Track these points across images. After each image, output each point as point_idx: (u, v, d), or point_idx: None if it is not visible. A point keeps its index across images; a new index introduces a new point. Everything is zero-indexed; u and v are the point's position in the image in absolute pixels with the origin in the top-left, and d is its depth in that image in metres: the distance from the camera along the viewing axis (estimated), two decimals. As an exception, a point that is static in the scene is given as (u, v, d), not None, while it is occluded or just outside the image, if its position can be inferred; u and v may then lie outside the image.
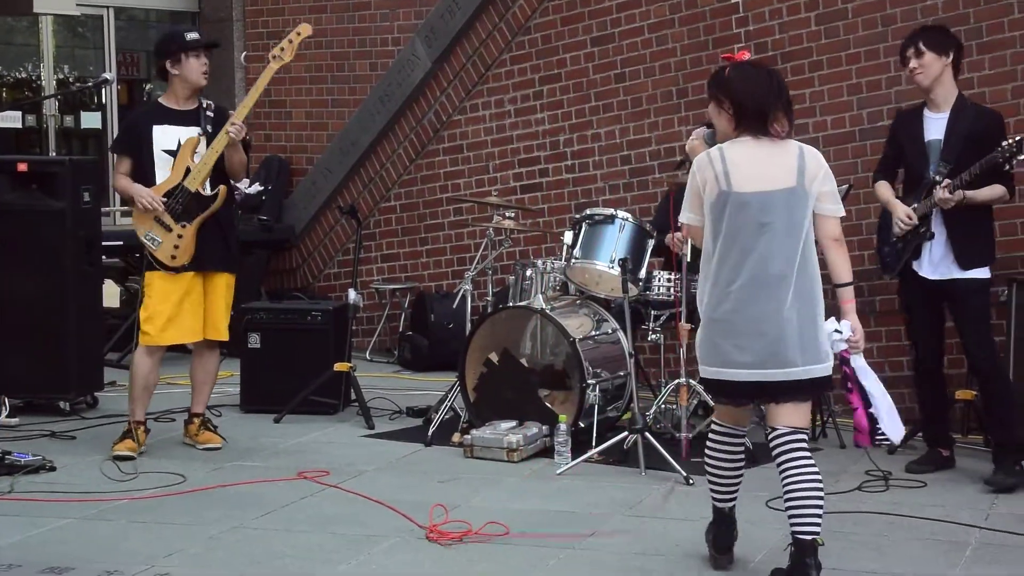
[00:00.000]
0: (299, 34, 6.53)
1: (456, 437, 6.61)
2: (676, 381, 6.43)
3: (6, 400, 7.01)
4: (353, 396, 7.31)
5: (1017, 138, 5.70)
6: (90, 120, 13.66)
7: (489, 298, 7.18)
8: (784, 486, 4.38)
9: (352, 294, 7.47)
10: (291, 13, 10.16)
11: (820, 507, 4.37)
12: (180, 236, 6.26)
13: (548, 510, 5.45)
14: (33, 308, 7.08)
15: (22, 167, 7.28)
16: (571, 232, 6.76)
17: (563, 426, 6.24)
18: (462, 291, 7.26)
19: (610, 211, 6.76)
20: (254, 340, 7.52)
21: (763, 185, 4.39)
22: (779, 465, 4.40)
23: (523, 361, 6.67)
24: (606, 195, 8.40)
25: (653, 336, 6.82)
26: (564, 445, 6.20)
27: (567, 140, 8.71)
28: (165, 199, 6.24)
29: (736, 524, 4.77)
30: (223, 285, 6.44)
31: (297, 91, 10.15)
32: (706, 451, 4.69)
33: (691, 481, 5.83)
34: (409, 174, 9.52)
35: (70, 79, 13.78)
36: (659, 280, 6.71)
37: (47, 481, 5.81)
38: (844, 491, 5.75)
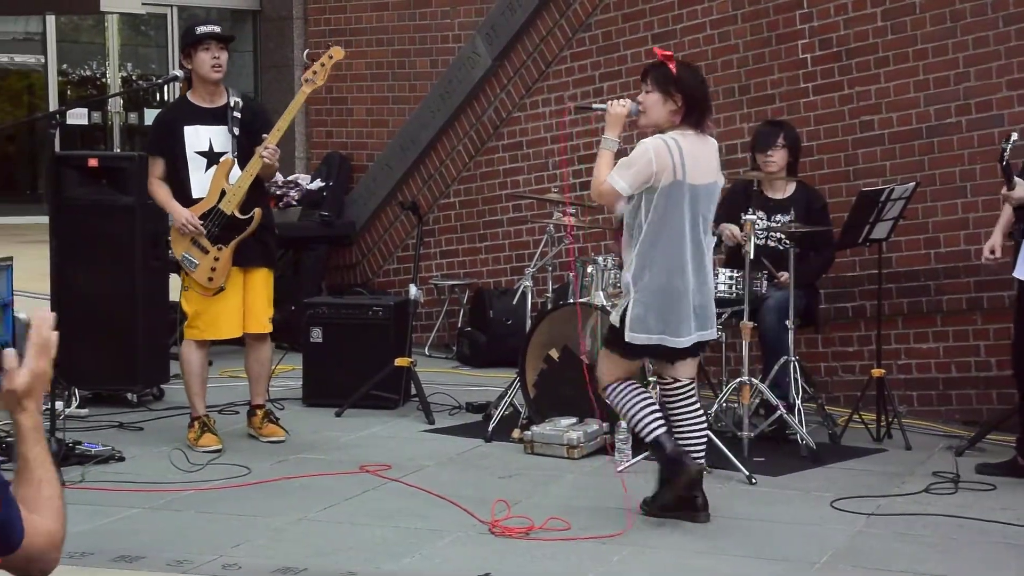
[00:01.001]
0: (331, 57, 6.47)
1: (516, 433, 6.62)
2: (738, 380, 6.40)
3: (76, 391, 7.11)
4: (413, 391, 7.34)
5: None
6: (154, 117, 13.85)
7: (549, 295, 7.18)
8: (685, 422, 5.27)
9: (413, 290, 7.50)
10: (353, 10, 10.21)
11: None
12: (216, 259, 6.28)
13: (609, 507, 5.44)
14: (102, 302, 7.17)
15: (92, 163, 7.39)
16: (632, 229, 6.74)
17: (624, 423, 6.23)
18: (522, 287, 7.27)
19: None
20: (316, 335, 7.57)
21: (707, 178, 5.13)
22: (680, 407, 5.30)
23: (583, 358, 6.66)
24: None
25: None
26: (625, 442, 6.19)
27: (627, 137, 8.68)
28: (201, 221, 6.26)
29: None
30: (262, 279, 6.49)
31: (358, 88, 10.20)
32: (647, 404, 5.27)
33: (753, 480, 5.81)
34: (469, 171, 9.54)
35: (133, 76, 13.95)
36: (720, 278, 6.68)
37: (116, 471, 5.89)
38: (911, 493, 5.69)
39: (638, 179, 5.04)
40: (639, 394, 5.27)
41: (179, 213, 6.26)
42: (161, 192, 6.35)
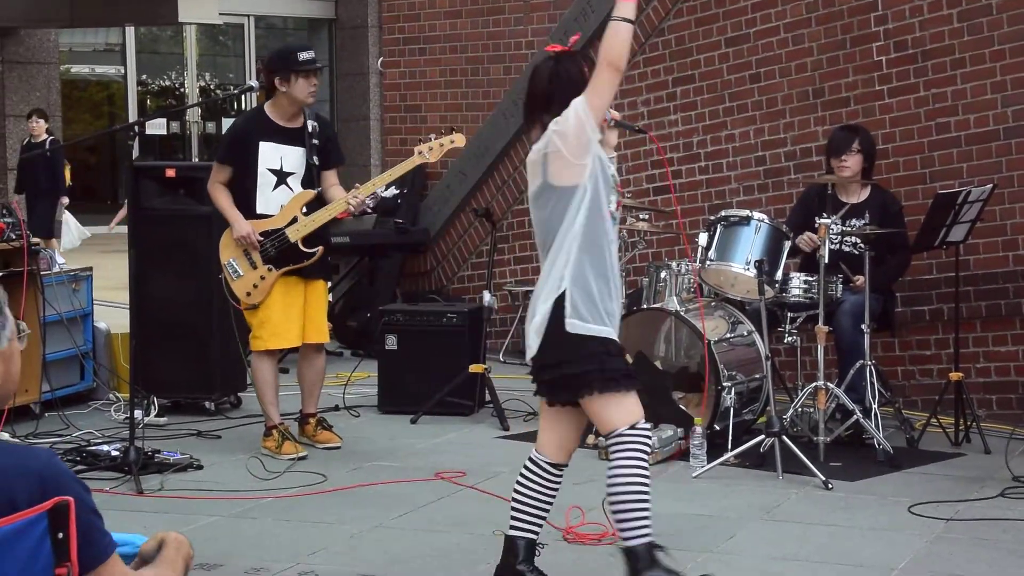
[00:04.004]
0: (452, 142, 6.44)
1: (591, 439, 6.61)
2: (813, 384, 6.36)
3: (155, 400, 7.23)
4: (488, 397, 7.37)
5: None
6: (229, 124, 14.03)
7: (623, 300, 7.18)
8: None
9: (487, 296, 7.53)
10: (427, 18, 10.28)
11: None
12: (263, 278, 6.33)
13: (684, 513, 5.43)
14: (180, 310, 7.29)
15: (170, 173, 7.50)
16: (706, 233, 6.73)
17: (698, 429, 6.22)
18: (596, 293, 7.26)
19: (746, 212, 6.71)
20: (391, 342, 7.62)
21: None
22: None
23: (657, 363, 6.66)
24: (740, 196, 8.33)
25: (789, 339, 6.75)
26: (700, 448, 6.18)
27: (700, 141, 8.66)
28: (261, 237, 6.31)
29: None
30: (322, 291, 6.57)
31: (432, 96, 10.27)
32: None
33: (830, 485, 5.76)
34: (542, 177, 9.54)
35: (211, 86, 14.14)
36: (796, 282, 6.64)
37: (194, 479, 5.97)
38: (989, 497, 5.62)
39: None
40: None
41: (242, 224, 6.31)
42: (223, 198, 6.39)
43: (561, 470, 4.38)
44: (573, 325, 4.13)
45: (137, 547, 2.31)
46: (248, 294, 6.36)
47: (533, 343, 4.20)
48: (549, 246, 4.20)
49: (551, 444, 4.34)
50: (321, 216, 6.36)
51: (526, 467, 4.36)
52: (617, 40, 4.22)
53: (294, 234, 6.32)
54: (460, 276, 10.03)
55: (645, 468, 4.18)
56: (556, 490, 4.38)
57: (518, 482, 4.38)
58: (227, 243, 6.41)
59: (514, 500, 4.38)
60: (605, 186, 4.22)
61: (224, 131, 6.16)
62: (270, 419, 6.46)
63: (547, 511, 4.40)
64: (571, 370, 4.14)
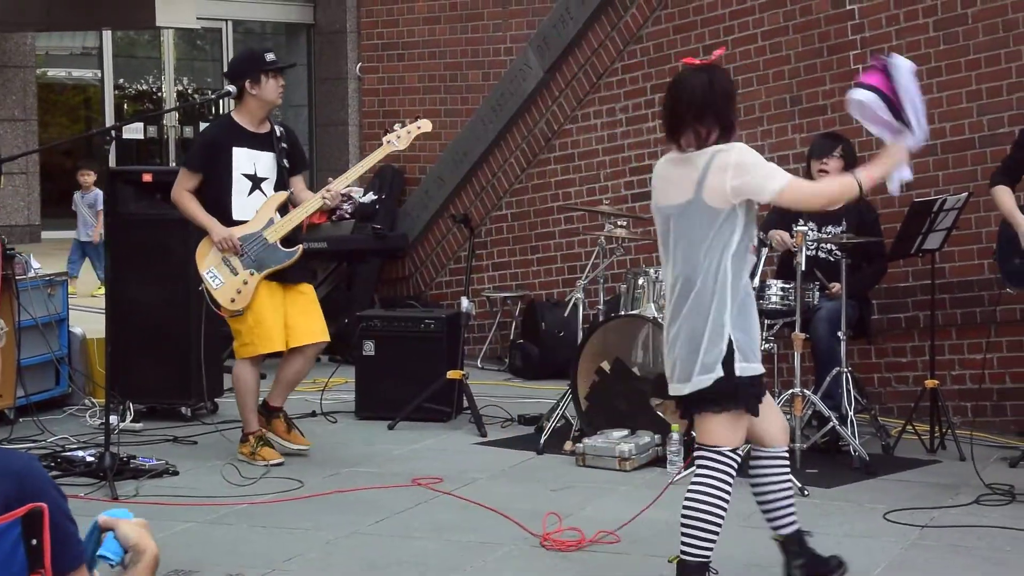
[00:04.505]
0: (419, 128, 6.54)
1: (568, 445, 6.63)
2: (790, 391, 6.37)
3: (131, 405, 7.20)
4: (465, 404, 7.37)
5: None
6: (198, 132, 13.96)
7: (600, 307, 7.20)
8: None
9: (465, 302, 7.54)
10: (405, 24, 10.28)
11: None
12: (245, 283, 6.31)
13: (661, 519, 5.42)
14: (156, 316, 7.26)
15: (147, 178, 7.48)
16: (684, 241, 6.73)
17: (676, 435, 6.23)
18: (573, 299, 7.28)
19: (723, 220, 6.72)
20: (368, 348, 7.62)
21: (673, 198, 4.33)
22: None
23: (635, 370, 6.67)
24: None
25: (766, 345, 6.75)
26: (677, 454, 6.19)
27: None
28: (240, 242, 6.29)
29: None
30: (310, 293, 6.55)
31: (411, 101, 10.27)
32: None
33: (806, 492, 5.78)
34: (520, 183, 9.57)
35: (189, 91, 14.10)
36: (772, 289, 6.66)
37: (170, 485, 5.95)
38: (964, 504, 5.65)
39: None
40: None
41: (219, 229, 6.28)
42: (194, 205, 6.36)
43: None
44: (743, 368, 4.22)
45: (121, 557, 2.29)
46: (232, 300, 6.32)
47: (701, 380, 4.21)
48: (696, 264, 4.23)
49: (771, 432, 4.42)
50: (298, 214, 6.38)
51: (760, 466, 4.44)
52: (846, 193, 4.38)
53: (272, 235, 6.31)
54: (438, 282, 10.03)
55: (729, 491, 4.29)
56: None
57: (762, 484, 4.44)
58: (204, 252, 6.36)
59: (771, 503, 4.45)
60: (750, 224, 4.30)
61: (194, 139, 6.13)
62: (249, 425, 6.44)
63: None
64: (731, 406, 4.24)
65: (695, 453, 4.37)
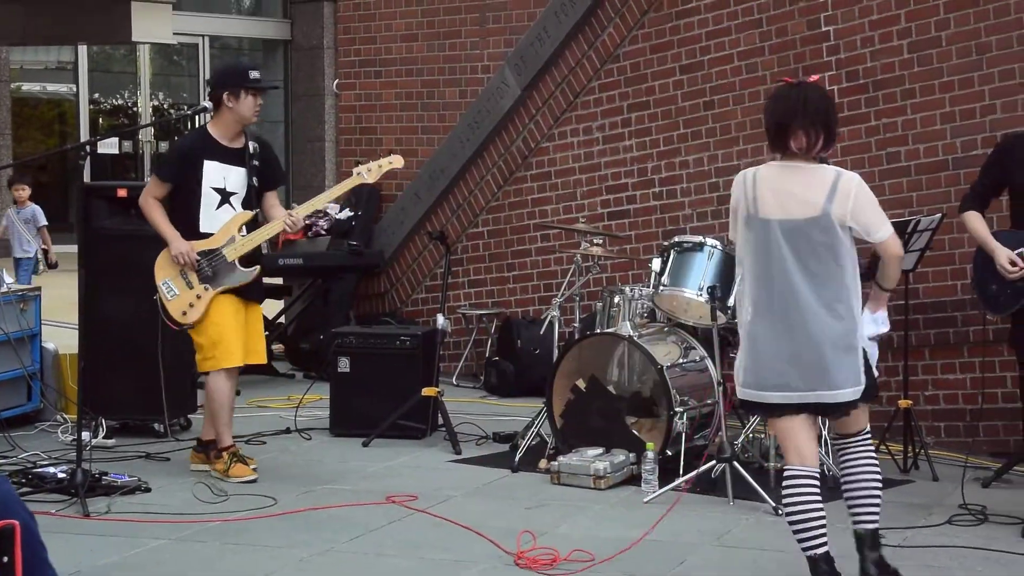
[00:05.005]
0: (391, 163, 6.58)
1: (543, 463, 6.63)
2: (765, 410, 6.38)
3: (103, 421, 7.15)
4: (440, 421, 7.35)
5: None
6: (172, 143, 13.93)
7: (576, 324, 7.20)
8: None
9: (440, 319, 7.53)
10: (383, 41, 10.28)
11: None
12: (199, 297, 6.30)
13: (635, 538, 5.43)
14: (129, 331, 7.21)
15: (122, 193, 7.44)
16: (659, 259, 6.76)
17: (650, 454, 6.24)
18: (549, 317, 7.28)
19: (699, 238, 6.75)
20: (343, 364, 7.59)
21: (791, 213, 4.52)
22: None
23: (610, 388, 6.67)
24: (694, 222, 8.38)
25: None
26: (651, 473, 6.19)
27: (655, 167, 8.71)
28: (199, 256, 6.29)
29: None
30: (259, 314, 6.59)
31: (388, 118, 10.27)
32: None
33: (780, 511, 5.77)
34: (497, 200, 9.58)
35: (164, 106, 14.07)
36: (748, 308, 6.67)
37: (142, 502, 5.92)
38: (937, 524, 5.67)
39: (733, 217, 4.79)
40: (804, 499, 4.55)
41: (179, 243, 6.28)
42: (159, 214, 6.36)
43: None
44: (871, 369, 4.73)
45: None
46: (184, 313, 6.32)
47: (847, 385, 4.55)
48: (802, 283, 4.52)
49: (814, 453, 4.63)
50: (259, 235, 6.39)
51: (802, 487, 4.52)
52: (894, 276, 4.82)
53: (232, 253, 6.31)
54: (414, 299, 10.02)
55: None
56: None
57: (795, 504, 4.52)
58: (162, 263, 6.36)
59: (811, 520, 4.51)
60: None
61: (168, 148, 6.10)
62: (223, 441, 6.40)
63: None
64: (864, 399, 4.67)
65: (846, 442, 4.72)
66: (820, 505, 4.50)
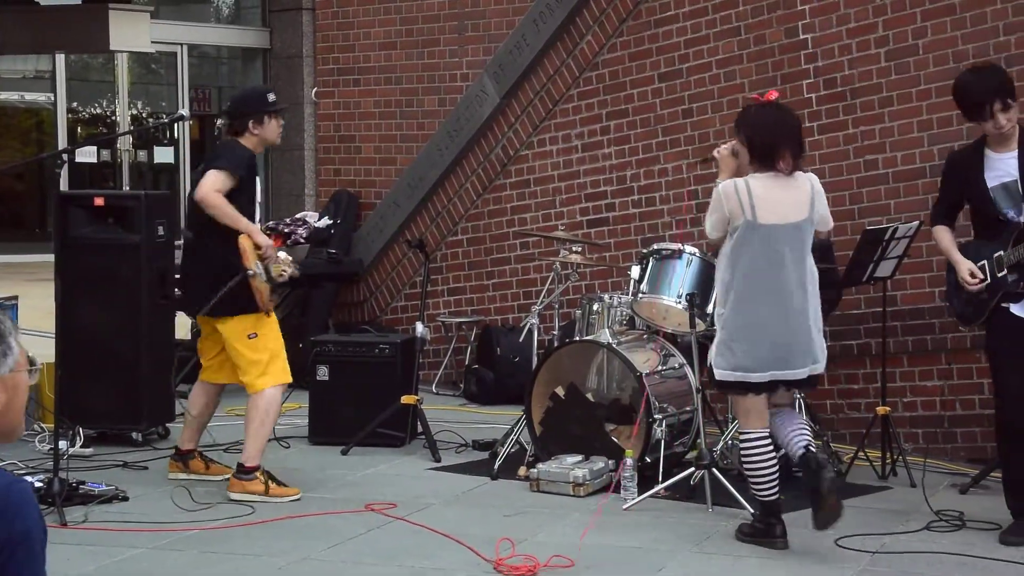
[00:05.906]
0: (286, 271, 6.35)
1: (522, 471, 6.62)
2: (743, 417, 6.41)
3: (80, 430, 7.12)
4: (420, 429, 7.34)
5: None
6: (163, 155, 13.90)
7: (555, 332, 7.20)
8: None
9: (420, 327, 7.52)
10: (361, 49, 10.28)
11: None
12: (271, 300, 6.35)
13: (614, 545, 5.44)
14: (108, 340, 7.19)
15: (99, 201, 7.42)
16: (638, 267, 6.76)
17: (629, 461, 6.24)
18: (528, 325, 7.29)
19: (677, 246, 6.76)
20: (322, 372, 7.58)
21: (785, 218, 5.30)
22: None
23: (589, 395, 6.68)
24: (672, 230, 8.39)
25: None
26: (630, 480, 6.19)
27: (634, 175, 8.73)
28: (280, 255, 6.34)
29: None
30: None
31: (366, 126, 10.26)
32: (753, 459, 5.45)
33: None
34: (476, 208, 9.58)
35: (143, 114, 14.03)
36: (726, 315, 6.68)
37: (120, 511, 5.89)
38: (915, 531, 5.68)
39: (718, 221, 5.41)
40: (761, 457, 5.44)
41: (263, 236, 6.25)
42: (231, 207, 6.13)
43: None
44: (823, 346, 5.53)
45: None
46: (270, 300, 6.27)
47: (822, 359, 5.45)
48: (794, 275, 5.33)
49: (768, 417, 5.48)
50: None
51: (764, 446, 5.39)
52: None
53: (276, 269, 6.30)
54: (393, 307, 10.01)
55: None
56: None
57: (759, 461, 5.41)
58: (248, 249, 6.14)
59: (767, 474, 5.41)
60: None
61: (234, 151, 5.85)
62: (254, 459, 6.21)
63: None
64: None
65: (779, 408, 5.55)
66: (776, 460, 5.41)
